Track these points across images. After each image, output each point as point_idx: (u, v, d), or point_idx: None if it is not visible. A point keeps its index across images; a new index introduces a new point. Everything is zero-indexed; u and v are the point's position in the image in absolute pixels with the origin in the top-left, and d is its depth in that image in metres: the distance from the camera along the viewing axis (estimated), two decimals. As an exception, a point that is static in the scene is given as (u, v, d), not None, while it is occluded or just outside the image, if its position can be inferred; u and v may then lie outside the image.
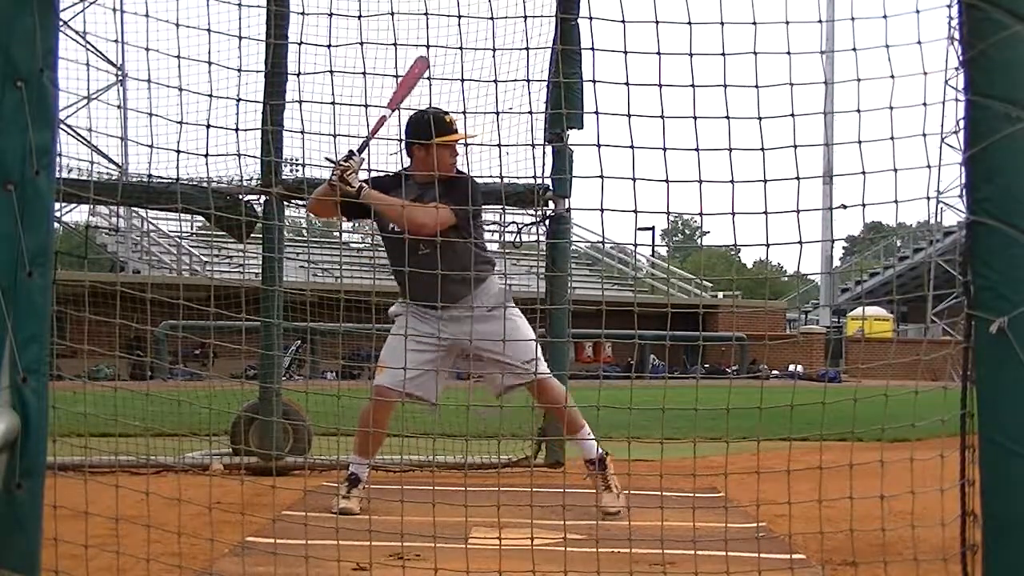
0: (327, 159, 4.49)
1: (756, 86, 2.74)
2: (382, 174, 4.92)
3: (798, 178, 2.81)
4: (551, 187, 5.97)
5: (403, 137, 4.77)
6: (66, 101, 13.89)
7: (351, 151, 4.55)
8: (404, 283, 4.60)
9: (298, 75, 3.45)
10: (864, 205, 2.85)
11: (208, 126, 3.11)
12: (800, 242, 2.83)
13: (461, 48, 3.05)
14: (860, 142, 2.75)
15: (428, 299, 4.42)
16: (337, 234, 21.31)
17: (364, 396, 4.82)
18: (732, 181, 2.77)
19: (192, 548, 3.50)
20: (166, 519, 3.17)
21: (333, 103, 3.04)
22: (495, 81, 3.82)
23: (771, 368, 22.16)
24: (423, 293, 4.45)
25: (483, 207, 5.39)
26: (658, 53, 2.73)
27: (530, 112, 4.50)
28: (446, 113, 4.79)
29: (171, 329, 9.70)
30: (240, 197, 5.97)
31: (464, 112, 4.67)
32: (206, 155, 3.20)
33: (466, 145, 4.93)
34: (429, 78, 4.63)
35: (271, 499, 3.70)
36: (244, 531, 3.65)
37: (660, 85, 2.75)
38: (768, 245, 2.85)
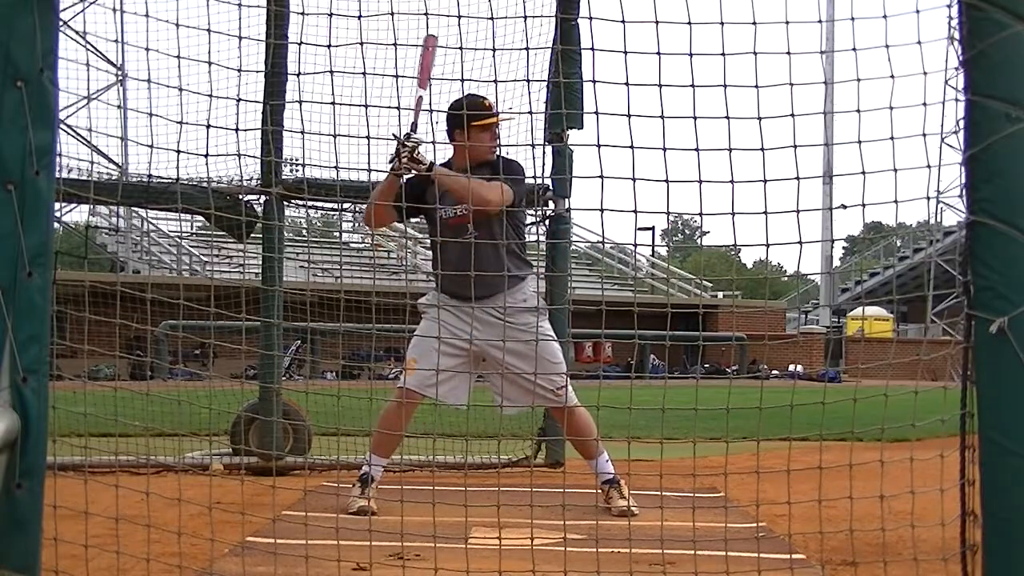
0: (393, 135, 4.38)
1: (756, 86, 2.74)
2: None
3: (798, 178, 2.81)
4: (551, 187, 5.96)
5: (446, 126, 4.75)
6: (66, 101, 13.91)
7: (407, 133, 4.46)
8: (445, 272, 4.49)
9: (298, 75, 3.45)
10: (864, 205, 2.85)
11: (208, 126, 3.11)
12: (800, 242, 2.83)
13: (461, 48, 3.05)
14: (860, 142, 2.75)
15: (466, 288, 4.40)
16: (337, 234, 21.33)
17: (364, 396, 4.82)
18: (732, 181, 2.77)
19: (192, 548, 3.51)
20: (166, 519, 3.17)
21: (333, 103, 3.04)
22: (495, 81, 3.83)
23: (771, 368, 22.17)
24: (463, 282, 4.41)
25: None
26: (658, 53, 2.74)
27: (530, 112, 4.51)
28: (483, 97, 4.74)
29: (171, 329, 9.70)
30: (240, 197, 5.97)
31: (464, 112, 4.69)
32: (206, 155, 3.19)
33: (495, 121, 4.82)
34: (430, 78, 4.62)
35: (271, 499, 3.70)
36: (244, 531, 3.65)
37: (660, 85, 2.75)
38: (768, 245, 2.85)
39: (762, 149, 2.77)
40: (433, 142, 4.74)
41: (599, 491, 4.84)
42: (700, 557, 3.05)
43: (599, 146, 2.86)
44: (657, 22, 2.73)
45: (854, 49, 2.72)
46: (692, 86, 2.72)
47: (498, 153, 4.84)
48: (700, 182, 2.79)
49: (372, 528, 3.06)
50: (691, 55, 2.73)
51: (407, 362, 4.80)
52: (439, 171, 4.52)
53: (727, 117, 2.73)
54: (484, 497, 3.51)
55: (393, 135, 4.39)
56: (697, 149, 2.79)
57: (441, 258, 4.64)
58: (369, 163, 4.69)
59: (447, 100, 5.36)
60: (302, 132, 5.31)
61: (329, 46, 3.08)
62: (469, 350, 4.72)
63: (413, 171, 4.45)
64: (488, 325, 4.68)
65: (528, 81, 4.17)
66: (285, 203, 6.31)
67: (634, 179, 2.83)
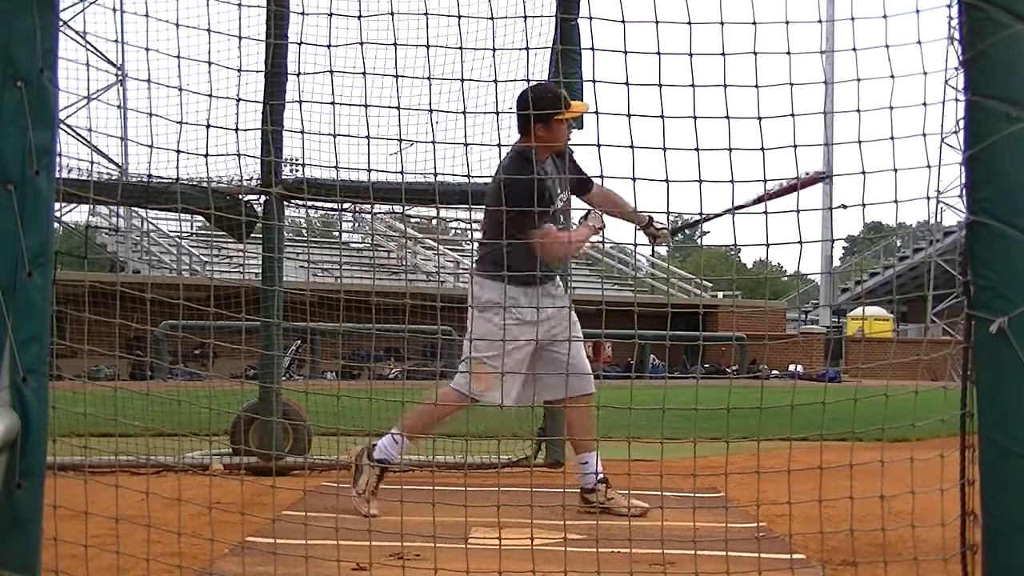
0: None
1: (756, 86, 2.74)
2: (510, 166, 4.65)
3: (798, 178, 2.81)
4: (551, 187, 5.96)
5: (521, 113, 4.62)
6: (66, 101, 13.87)
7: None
8: (520, 256, 4.38)
9: (298, 75, 3.45)
10: (864, 205, 2.85)
11: (208, 126, 3.11)
12: (800, 242, 2.83)
13: (461, 48, 3.05)
14: (860, 142, 2.75)
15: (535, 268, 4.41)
16: (337, 234, 21.35)
17: (364, 396, 4.81)
18: (732, 181, 2.77)
19: (192, 548, 3.50)
20: (166, 519, 3.17)
21: (333, 103, 3.04)
22: (495, 81, 3.82)
23: (771, 368, 22.16)
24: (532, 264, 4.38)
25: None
26: (658, 53, 2.74)
27: (530, 112, 4.51)
28: (559, 88, 4.74)
29: (171, 329, 9.69)
30: (240, 197, 5.97)
31: (464, 112, 4.68)
32: (206, 155, 3.19)
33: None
34: (429, 78, 4.61)
35: (271, 499, 3.70)
36: (244, 531, 3.65)
37: (660, 85, 2.75)
38: (768, 245, 2.85)
39: (762, 149, 2.77)
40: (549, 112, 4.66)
41: (580, 499, 4.83)
42: (700, 557, 3.05)
43: (599, 146, 2.86)
44: (657, 22, 2.73)
45: (854, 49, 2.72)
46: (692, 86, 2.73)
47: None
48: (700, 182, 2.79)
49: (372, 528, 3.06)
50: (691, 55, 2.73)
51: (476, 367, 4.55)
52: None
53: (727, 117, 2.73)
54: (484, 497, 3.50)
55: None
56: (697, 149, 2.79)
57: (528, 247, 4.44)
58: (369, 163, 4.68)
59: (449, 100, 5.35)
60: (302, 132, 5.31)
61: (329, 46, 3.08)
62: (531, 337, 4.54)
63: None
64: (552, 297, 4.73)
65: (528, 81, 4.18)
66: (285, 203, 6.31)
67: (634, 179, 2.84)
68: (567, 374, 4.54)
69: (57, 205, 3.25)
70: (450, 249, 20.83)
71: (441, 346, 5.93)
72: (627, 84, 2.77)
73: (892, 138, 2.70)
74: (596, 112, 2.86)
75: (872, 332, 26.11)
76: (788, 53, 2.70)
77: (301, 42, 3.40)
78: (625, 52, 2.77)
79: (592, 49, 2.85)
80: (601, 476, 4.82)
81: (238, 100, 3.10)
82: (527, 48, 3.45)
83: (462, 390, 4.64)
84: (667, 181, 2.80)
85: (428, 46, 3.02)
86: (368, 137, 4.63)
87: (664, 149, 2.81)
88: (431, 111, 4.89)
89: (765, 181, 2.79)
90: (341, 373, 13.74)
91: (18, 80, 2.30)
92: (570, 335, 4.72)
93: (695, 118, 2.74)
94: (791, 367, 21.60)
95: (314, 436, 6.31)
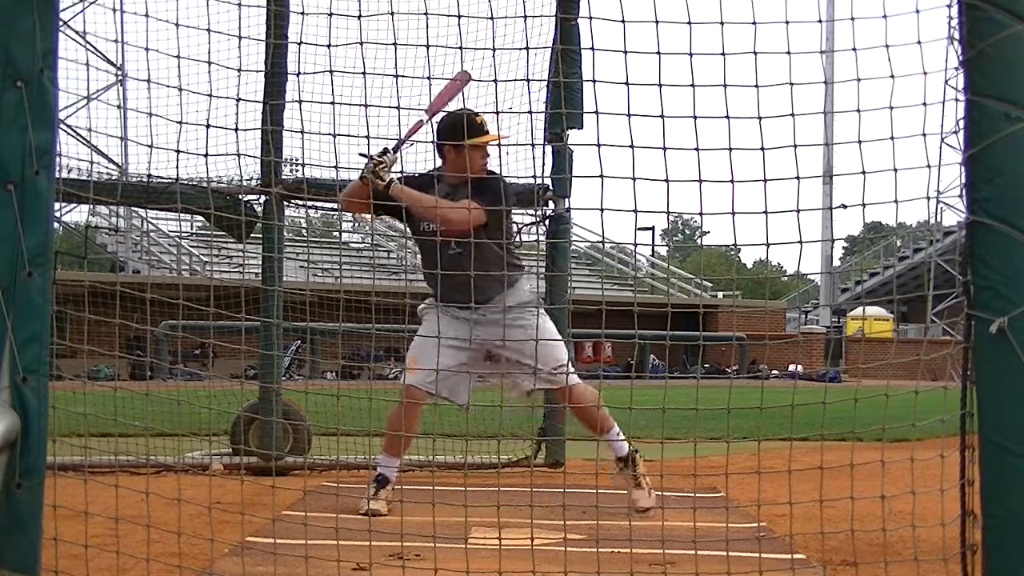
0: (360, 154, 4.52)
1: (756, 86, 2.74)
2: (415, 174, 5.01)
3: (798, 178, 2.81)
4: (551, 187, 5.97)
5: (435, 139, 4.80)
6: (66, 101, 13.90)
7: (386, 148, 4.58)
8: (435, 283, 4.62)
9: (298, 75, 3.45)
10: (864, 205, 2.85)
11: (208, 126, 3.11)
12: (800, 242, 2.82)
13: (461, 48, 3.05)
14: (860, 142, 2.75)
15: (459, 298, 4.53)
16: (337, 234, 21.33)
17: (363, 396, 4.83)
18: (732, 181, 2.77)
19: (192, 548, 3.50)
20: (166, 519, 3.17)
21: (333, 103, 3.04)
22: (495, 81, 3.82)
23: (771, 368, 22.17)
24: (454, 292, 4.51)
25: (512, 208, 5.41)
26: (658, 53, 2.73)
27: (530, 112, 4.52)
28: (477, 114, 4.78)
29: (171, 329, 9.70)
30: (240, 197, 5.97)
31: (464, 111, 4.69)
32: (206, 155, 3.19)
33: (499, 145, 4.89)
34: (429, 77, 4.62)
35: (271, 499, 3.70)
36: (244, 531, 3.65)
37: (660, 85, 2.75)
38: (768, 245, 2.85)
39: (762, 149, 2.77)
40: (453, 143, 4.71)
41: (616, 466, 4.83)
42: (701, 557, 3.05)
43: (599, 146, 2.86)
44: (657, 22, 2.73)
45: (854, 49, 2.72)
46: (692, 86, 2.72)
47: (488, 170, 4.89)
48: (700, 182, 2.79)
49: (372, 528, 3.07)
50: (691, 55, 2.73)
51: (408, 361, 4.84)
52: (396, 189, 4.61)
53: (727, 117, 2.73)
54: (484, 497, 3.51)
55: (360, 154, 4.52)
56: (697, 149, 2.78)
57: (432, 266, 4.68)
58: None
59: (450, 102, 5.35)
60: (302, 132, 5.32)
61: (329, 46, 3.08)
62: (468, 349, 4.75)
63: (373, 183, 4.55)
64: (486, 325, 4.71)
65: (528, 81, 4.19)
66: (285, 203, 6.31)
67: (634, 179, 2.83)
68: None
69: (57, 205, 3.25)
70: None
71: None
72: (627, 84, 2.77)
73: (892, 138, 2.70)
74: (596, 112, 2.86)
75: (872, 332, 26.12)
76: (788, 53, 2.70)
77: (301, 42, 3.40)
78: (625, 52, 2.77)
79: (592, 49, 2.85)
80: (626, 455, 4.83)
81: (238, 100, 3.10)
82: (527, 48, 3.45)
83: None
84: (667, 181, 2.79)
85: (428, 46, 3.01)
86: (368, 137, 4.63)
87: (664, 149, 2.81)
88: (462, 112, 4.91)
89: (765, 181, 2.79)
90: (341, 373, 13.75)
91: (18, 80, 2.30)
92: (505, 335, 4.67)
93: (695, 118, 2.74)
94: (791, 367, 21.61)
95: (314, 436, 6.31)
